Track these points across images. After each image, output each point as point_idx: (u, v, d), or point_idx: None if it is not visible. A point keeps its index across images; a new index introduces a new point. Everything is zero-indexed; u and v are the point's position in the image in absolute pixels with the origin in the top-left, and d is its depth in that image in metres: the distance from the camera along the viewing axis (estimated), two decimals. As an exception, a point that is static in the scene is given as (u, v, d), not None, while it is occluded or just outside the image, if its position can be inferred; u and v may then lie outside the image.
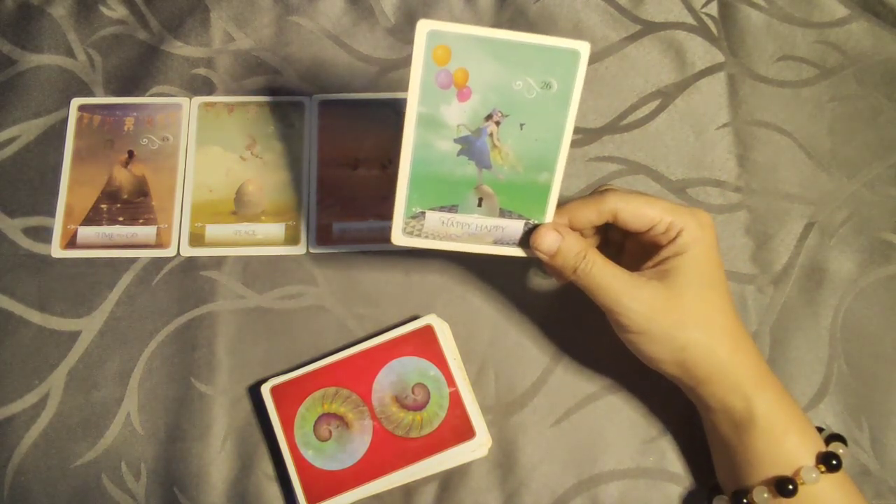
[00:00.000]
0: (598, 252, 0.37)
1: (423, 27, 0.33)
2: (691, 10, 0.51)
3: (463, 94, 0.34)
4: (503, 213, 0.37)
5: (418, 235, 0.37)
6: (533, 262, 0.38)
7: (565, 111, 0.34)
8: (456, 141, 0.35)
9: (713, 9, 0.51)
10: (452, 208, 0.36)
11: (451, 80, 0.34)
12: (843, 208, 0.47)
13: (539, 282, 0.46)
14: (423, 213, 0.37)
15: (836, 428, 0.42)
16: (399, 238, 0.37)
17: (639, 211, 0.36)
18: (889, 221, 0.47)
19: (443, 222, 0.37)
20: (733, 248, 0.46)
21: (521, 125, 0.35)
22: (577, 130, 0.49)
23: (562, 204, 0.37)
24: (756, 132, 0.49)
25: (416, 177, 0.36)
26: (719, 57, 0.50)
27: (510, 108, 0.34)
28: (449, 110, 0.34)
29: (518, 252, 0.38)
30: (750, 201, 0.47)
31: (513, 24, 0.51)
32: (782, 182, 0.48)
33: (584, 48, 0.33)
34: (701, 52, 0.50)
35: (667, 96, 0.49)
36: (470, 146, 0.35)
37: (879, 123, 0.49)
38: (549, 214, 0.37)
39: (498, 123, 0.35)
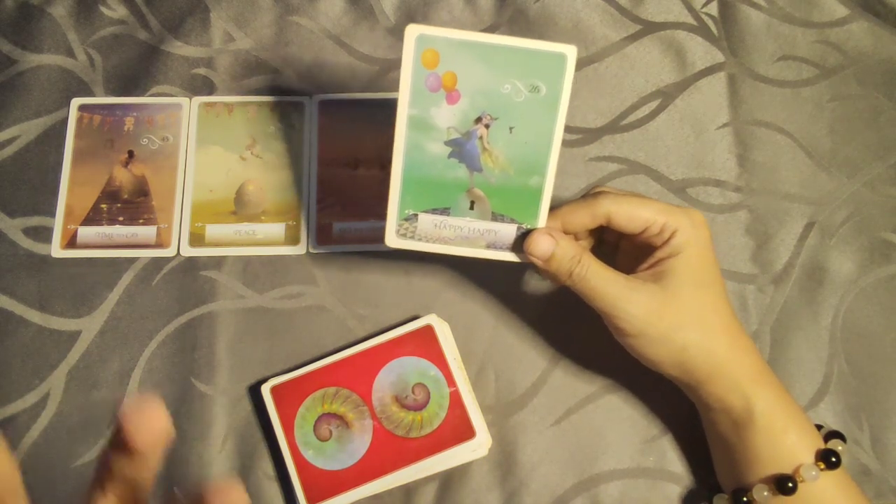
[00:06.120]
0: (592, 256, 0.36)
1: (412, 32, 0.33)
2: (691, 10, 0.51)
3: (452, 97, 0.34)
4: (496, 217, 0.37)
5: (412, 238, 0.37)
6: (529, 265, 0.39)
7: (554, 115, 0.34)
8: (446, 143, 0.35)
9: (713, 9, 0.51)
10: (445, 211, 0.37)
11: (440, 83, 0.34)
12: (843, 208, 0.47)
13: (539, 281, 0.46)
14: (415, 216, 0.37)
15: (837, 427, 0.42)
16: (392, 240, 0.37)
17: (632, 213, 0.36)
18: (889, 221, 0.47)
19: (436, 225, 0.37)
20: (733, 248, 0.46)
21: (511, 128, 0.35)
22: (577, 130, 0.49)
23: (555, 207, 0.37)
24: (756, 132, 0.49)
25: (408, 179, 0.36)
26: (719, 57, 0.50)
27: (499, 111, 0.34)
28: (439, 113, 0.34)
29: (511, 257, 0.38)
30: (750, 201, 0.47)
31: (513, 24, 0.51)
32: (782, 182, 0.48)
33: (570, 52, 0.33)
34: (701, 52, 0.50)
35: (667, 96, 0.49)
36: (460, 149, 0.35)
37: (879, 123, 0.49)
38: (542, 219, 0.37)
39: (487, 126, 0.35)
